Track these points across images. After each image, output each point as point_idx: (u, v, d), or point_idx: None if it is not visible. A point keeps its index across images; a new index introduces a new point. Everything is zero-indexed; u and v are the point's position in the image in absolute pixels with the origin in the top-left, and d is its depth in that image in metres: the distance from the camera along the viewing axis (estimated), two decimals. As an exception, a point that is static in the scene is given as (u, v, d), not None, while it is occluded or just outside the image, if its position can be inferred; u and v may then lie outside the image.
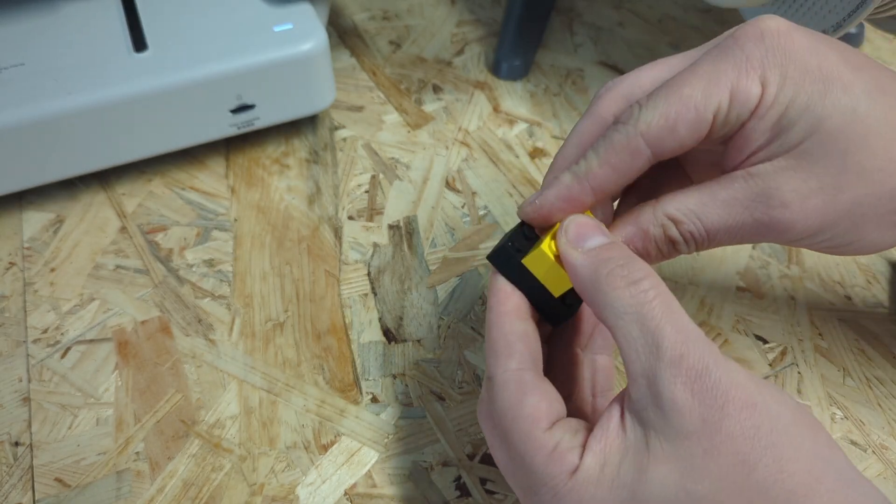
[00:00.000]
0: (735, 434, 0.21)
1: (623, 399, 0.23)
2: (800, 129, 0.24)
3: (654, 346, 0.22)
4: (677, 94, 0.24)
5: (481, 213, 0.41)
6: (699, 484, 0.21)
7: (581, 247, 0.24)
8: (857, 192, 0.25)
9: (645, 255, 0.27)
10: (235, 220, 0.41)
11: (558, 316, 0.27)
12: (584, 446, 0.23)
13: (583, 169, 0.25)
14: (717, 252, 0.39)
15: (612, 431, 0.23)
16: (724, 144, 0.26)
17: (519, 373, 0.24)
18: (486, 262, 0.39)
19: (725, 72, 0.24)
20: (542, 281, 0.26)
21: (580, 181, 0.26)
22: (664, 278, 0.38)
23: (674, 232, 0.26)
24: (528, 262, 0.26)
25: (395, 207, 0.41)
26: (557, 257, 0.25)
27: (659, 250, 0.27)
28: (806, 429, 0.22)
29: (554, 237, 0.26)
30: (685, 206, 0.26)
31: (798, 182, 0.24)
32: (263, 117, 0.42)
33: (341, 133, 0.45)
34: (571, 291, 0.26)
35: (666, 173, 0.30)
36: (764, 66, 0.24)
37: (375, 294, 0.38)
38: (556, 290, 0.26)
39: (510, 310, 0.26)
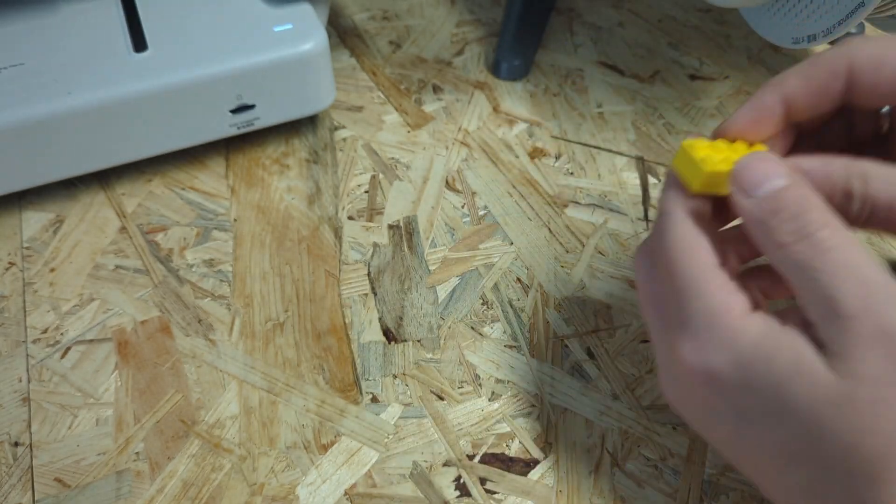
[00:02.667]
0: None
1: (798, 314, 0.22)
2: None
3: (830, 300, 0.21)
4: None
5: (481, 213, 0.41)
6: (851, 418, 0.20)
7: (754, 194, 0.23)
8: None
9: None
10: (235, 220, 0.41)
11: None
12: (751, 309, 0.22)
13: (778, 79, 0.25)
14: (718, 252, 0.39)
15: (785, 323, 0.22)
16: None
17: (698, 215, 0.24)
18: (483, 265, 0.39)
19: None
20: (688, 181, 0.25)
21: (773, 89, 0.25)
22: (664, 278, 0.38)
23: (859, 188, 0.24)
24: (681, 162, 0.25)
25: (395, 207, 0.41)
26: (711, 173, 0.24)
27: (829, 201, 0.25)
28: None
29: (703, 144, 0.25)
30: (884, 171, 0.24)
31: None
32: (263, 117, 0.42)
33: (341, 133, 0.45)
34: None
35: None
36: None
37: (375, 294, 0.38)
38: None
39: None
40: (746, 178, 0.23)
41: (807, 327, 0.22)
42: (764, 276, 0.27)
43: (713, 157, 0.25)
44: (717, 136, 0.27)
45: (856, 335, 0.21)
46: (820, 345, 0.21)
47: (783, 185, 0.23)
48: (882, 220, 0.24)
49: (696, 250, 0.24)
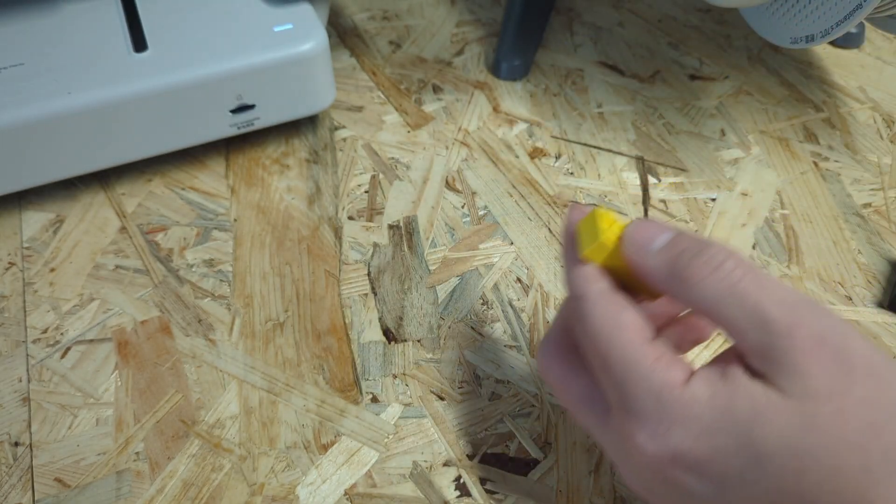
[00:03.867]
0: (864, 399, 0.20)
1: (733, 354, 0.23)
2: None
3: (762, 321, 0.21)
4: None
5: (481, 213, 0.41)
6: (822, 440, 0.20)
7: (650, 250, 0.24)
8: None
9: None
10: (235, 220, 0.41)
11: None
12: (691, 372, 0.22)
13: None
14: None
15: (726, 371, 0.22)
16: None
17: (612, 291, 0.24)
18: (483, 265, 0.39)
19: None
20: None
21: None
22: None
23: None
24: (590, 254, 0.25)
25: (395, 207, 0.41)
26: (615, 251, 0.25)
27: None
28: None
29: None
30: None
31: None
32: (263, 117, 0.42)
33: (341, 133, 0.45)
34: None
35: None
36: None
37: (375, 294, 0.38)
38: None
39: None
40: (640, 237, 0.24)
41: (744, 363, 0.22)
42: (669, 334, 0.27)
43: (612, 229, 0.25)
44: None
45: (796, 350, 0.21)
46: (762, 374, 0.21)
47: (674, 234, 0.24)
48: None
49: (623, 330, 0.23)
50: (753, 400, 0.21)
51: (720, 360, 0.23)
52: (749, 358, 0.22)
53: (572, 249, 0.26)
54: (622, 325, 0.23)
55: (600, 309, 0.24)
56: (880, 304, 0.37)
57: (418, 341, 0.36)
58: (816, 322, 0.21)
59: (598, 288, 0.24)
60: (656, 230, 0.24)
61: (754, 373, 0.21)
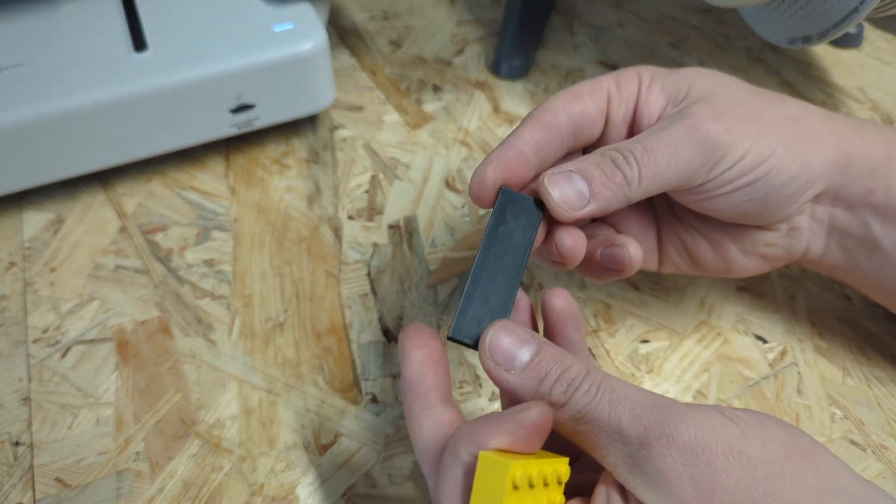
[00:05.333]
0: (731, 488, 0.21)
1: (612, 480, 0.23)
2: (679, 88, 0.29)
3: (617, 433, 0.22)
4: (577, 84, 0.30)
5: (481, 213, 0.41)
6: None
7: (512, 368, 0.24)
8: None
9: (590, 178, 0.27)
10: (235, 220, 0.41)
11: None
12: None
13: (510, 136, 0.28)
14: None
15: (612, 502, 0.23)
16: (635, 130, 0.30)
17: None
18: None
19: (608, 76, 0.30)
20: None
21: (508, 146, 0.27)
22: (664, 279, 0.38)
23: (617, 156, 0.27)
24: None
25: (395, 207, 0.41)
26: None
27: (604, 174, 0.27)
28: (802, 459, 0.22)
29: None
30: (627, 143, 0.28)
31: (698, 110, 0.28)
32: (263, 117, 0.42)
33: (341, 133, 0.45)
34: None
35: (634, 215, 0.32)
36: (636, 69, 0.30)
37: (375, 294, 0.38)
38: None
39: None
40: (501, 356, 0.24)
41: (618, 487, 0.22)
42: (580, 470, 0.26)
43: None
44: (476, 194, 0.27)
45: (654, 456, 0.21)
46: (632, 493, 0.22)
47: (534, 351, 0.24)
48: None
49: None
50: None
51: (601, 486, 0.23)
52: (618, 475, 0.22)
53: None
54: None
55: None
56: (879, 304, 0.37)
57: (418, 341, 0.36)
58: (665, 418, 0.21)
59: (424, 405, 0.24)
60: (515, 346, 0.24)
61: (624, 493, 0.22)
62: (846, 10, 0.36)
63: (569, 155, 0.30)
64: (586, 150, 0.31)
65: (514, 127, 0.45)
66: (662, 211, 0.33)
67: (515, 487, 0.21)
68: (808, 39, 0.40)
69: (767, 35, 0.43)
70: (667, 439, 0.21)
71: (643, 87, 0.30)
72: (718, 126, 0.27)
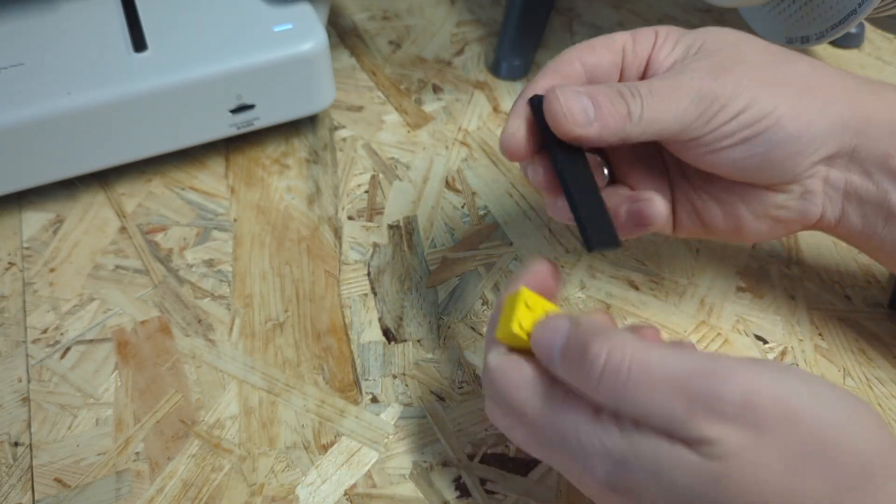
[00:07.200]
0: (777, 445, 0.21)
1: None
2: (691, 46, 0.29)
3: (658, 411, 0.22)
4: (595, 38, 0.31)
5: (481, 213, 0.41)
6: (738, 494, 0.21)
7: (552, 360, 0.24)
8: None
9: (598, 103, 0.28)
10: (235, 220, 0.41)
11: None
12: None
13: (530, 86, 0.29)
14: (717, 251, 0.39)
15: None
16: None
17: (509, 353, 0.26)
18: (483, 265, 0.39)
19: (625, 33, 0.31)
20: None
21: (534, 89, 0.29)
22: (664, 279, 0.38)
23: (624, 90, 0.28)
24: (500, 335, 0.27)
25: (395, 207, 0.41)
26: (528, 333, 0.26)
27: (610, 102, 0.27)
28: (858, 423, 0.22)
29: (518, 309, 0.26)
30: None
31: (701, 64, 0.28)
32: (263, 117, 0.42)
33: (341, 133, 0.45)
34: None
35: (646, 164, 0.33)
36: (655, 28, 0.31)
37: (375, 294, 0.38)
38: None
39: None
40: (542, 346, 0.25)
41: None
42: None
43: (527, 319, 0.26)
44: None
45: (698, 428, 0.21)
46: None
47: (564, 340, 0.24)
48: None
49: (520, 388, 0.25)
50: (659, 448, 0.22)
51: None
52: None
53: (492, 325, 0.28)
54: (520, 382, 0.25)
55: (501, 372, 0.26)
56: (879, 304, 0.37)
57: (418, 341, 0.36)
58: (711, 389, 0.21)
59: (498, 352, 0.26)
60: (553, 336, 0.25)
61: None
62: (845, 12, 0.36)
63: None
64: None
65: (514, 127, 0.45)
66: (673, 173, 0.33)
67: (528, 307, 0.26)
68: (806, 40, 0.40)
69: (766, 34, 0.43)
70: (714, 410, 0.21)
71: (657, 44, 0.30)
72: (720, 79, 0.27)
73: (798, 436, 0.21)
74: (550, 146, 0.28)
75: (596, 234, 0.27)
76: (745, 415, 0.21)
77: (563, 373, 0.24)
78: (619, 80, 0.30)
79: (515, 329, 0.25)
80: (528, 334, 0.26)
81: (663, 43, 0.30)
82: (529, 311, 0.26)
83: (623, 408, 0.23)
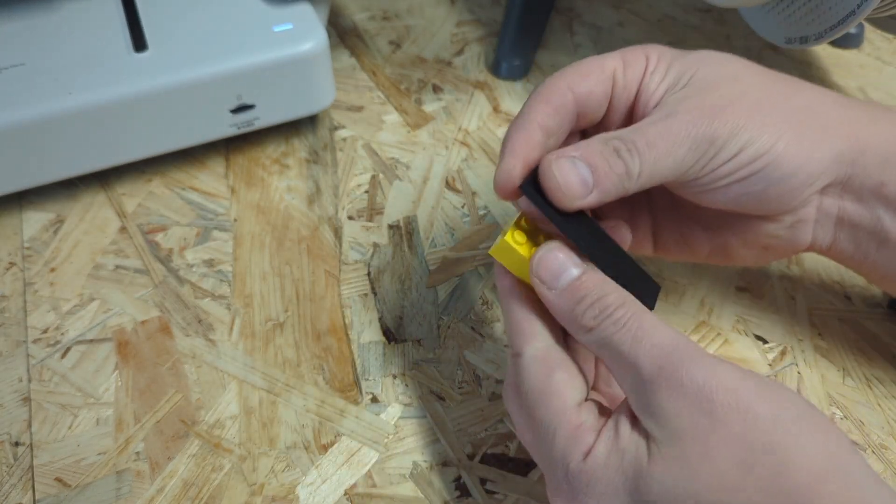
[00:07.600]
0: (728, 438, 0.22)
1: (625, 403, 0.25)
2: (683, 74, 0.28)
3: (633, 366, 0.23)
4: (585, 61, 0.30)
5: (481, 213, 0.41)
6: (696, 483, 0.22)
7: (555, 287, 0.25)
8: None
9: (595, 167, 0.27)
10: (235, 220, 0.41)
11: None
12: (599, 431, 0.24)
13: (522, 119, 0.28)
14: (717, 252, 0.39)
15: (617, 426, 0.24)
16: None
17: (546, 350, 0.26)
18: (483, 265, 0.39)
19: (615, 55, 0.30)
20: (513, 270, 0.28)
21: (523, 131, 0.27)
22: (664, 279, 0.38)
23: (620, 146, 0.27)
24: (496, 252, 0.27)
25: (395, 207, 0.41)
26: (521, 247, 0.27)
27: (607, 163, 0.27)
28: (812, 429, 0.22)
29: (516, 226, 0.27)
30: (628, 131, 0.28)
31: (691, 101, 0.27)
32: (263, 117, 0.42)
33: (341, 133, 0.45)
34: None
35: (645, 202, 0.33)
36: (645, 49, 0.30)
37: (375, 294, 0.38)
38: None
39: (528, 289, 0.27)
40: (545, 271, 0.26)
41: (630, 412, 0.24)
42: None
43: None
44: (501, 188, 0.28)
45: (660, 394, 0.22)
46: (640, 421, 0.23)
47: (578, 273, 0.25)
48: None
49: (549, 398, 0.25)
50: (636, 454, 0.23)
51: (617, 411, 0.25)
52: (631, 404, 0.24)
53: (511, 291, 0.28)
54: (548, 393, 0.25)
55: (532, 372, 0.26)
56: (879, 304, 0.37)
57: (418, 341, 0.36)
58: (682, 361, 0.23)
59: (533, 349, 0.26)
60: (562, 266, 0.26)
61: (635, 420, 0.24)
62: (844, 12, 0.36)
63: (569, 136, 0.30)
64: (584, 132, 0.31)
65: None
66: (660, 202, 0.32)
67: (522, 228, 0.27)
68: (805, 40, 0.40)
69: (765, 33, 0.43)
70: (676, 383, 0.22)
71: (648, 69, 0.29)
72: (716, 120, 0.27)
73: (749, 432, 0.22)
74: (554, 219, 0.27)
75: (642, 294, 0.26)
76: (700, 402, 0.22)
77: (559, 300, 0.25)
78: (609, 108, 0.29)
79: (508, 239, 0.26)
80: (522, 247, 0.27)
81: (655, 68, 0.29)
82: (523, 232, 0.27)
83: (607, 350, 0.24)
